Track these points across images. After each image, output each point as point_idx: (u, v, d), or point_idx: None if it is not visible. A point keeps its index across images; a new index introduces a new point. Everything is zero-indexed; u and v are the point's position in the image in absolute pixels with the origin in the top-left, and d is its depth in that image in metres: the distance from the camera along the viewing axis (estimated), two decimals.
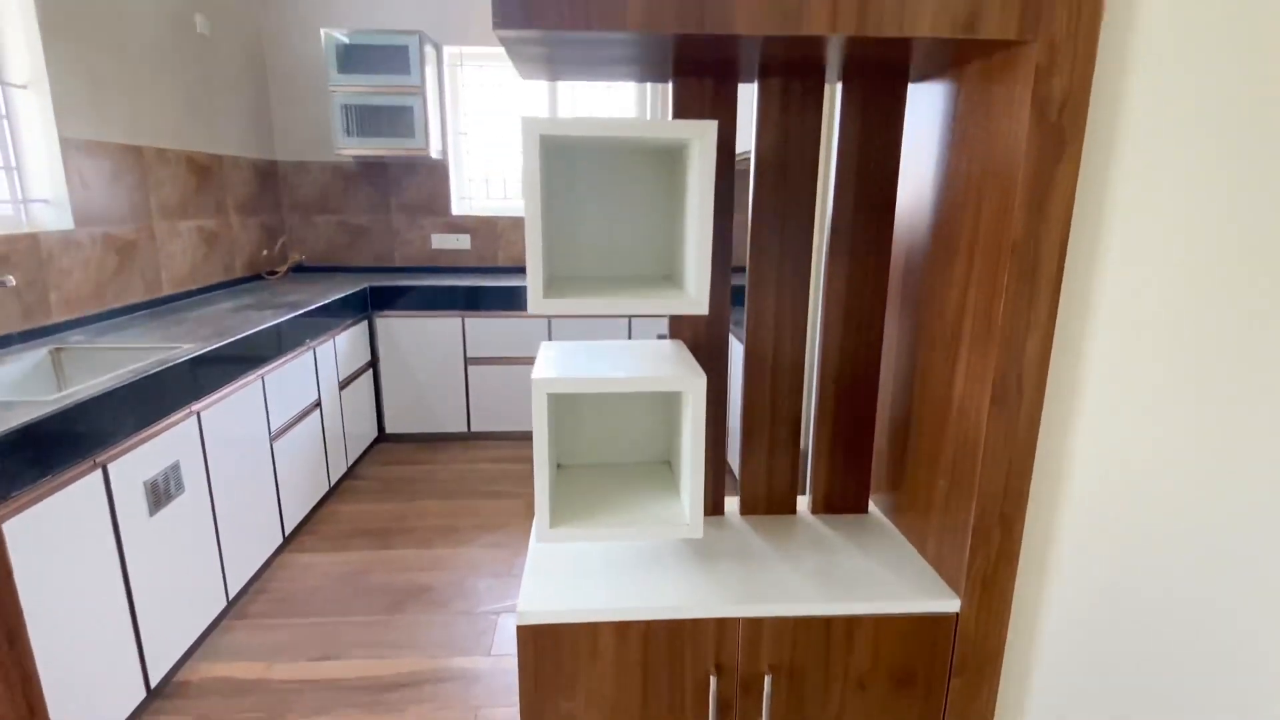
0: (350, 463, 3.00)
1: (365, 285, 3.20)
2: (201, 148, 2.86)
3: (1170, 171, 0.71)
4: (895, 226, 1.01)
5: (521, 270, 3.76)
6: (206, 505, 1.89)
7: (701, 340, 1.02)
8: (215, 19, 2.97)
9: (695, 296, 0.79)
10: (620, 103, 3.72)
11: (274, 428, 2.28)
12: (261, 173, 3.39)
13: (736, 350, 2.49)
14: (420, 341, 3.28)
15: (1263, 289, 0.67)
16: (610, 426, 1.04)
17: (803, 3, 0.69)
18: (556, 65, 0.87)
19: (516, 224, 3.75)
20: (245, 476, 2.10)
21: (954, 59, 0.82)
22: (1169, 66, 0.70)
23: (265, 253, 3.38)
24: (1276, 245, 0.66)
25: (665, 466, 1.05)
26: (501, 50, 3.58)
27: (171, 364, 1.72)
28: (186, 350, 1.85)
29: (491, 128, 3.73)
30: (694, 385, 0.80)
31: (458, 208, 3.74)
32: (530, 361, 3.34)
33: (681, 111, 0.94)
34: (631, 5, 0.68)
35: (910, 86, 0.96)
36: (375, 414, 3.32)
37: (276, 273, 3.38)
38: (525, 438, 3.46)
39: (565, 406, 1.01)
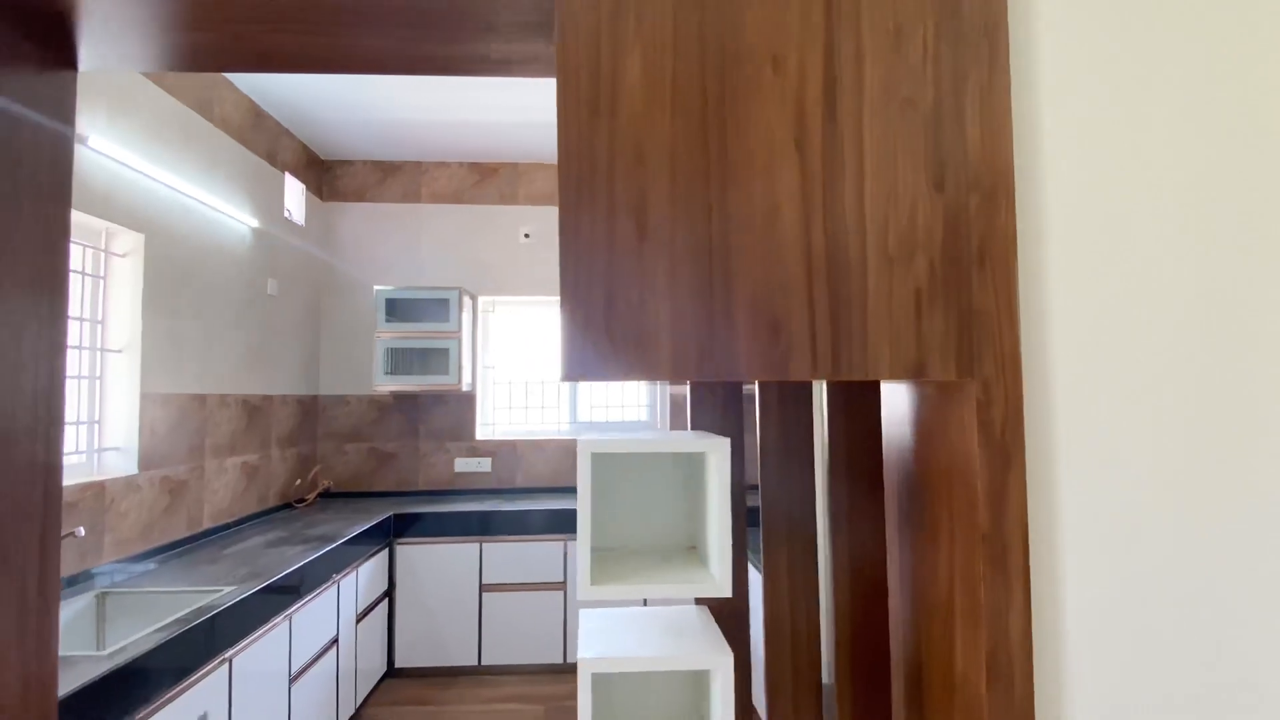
0: (359, 703, 2.90)
1: (389, 513, 3.32)
2: (256, 390, 3.17)
3: (1100, 475, 0.89)
4: (886, 504, 1.17)
5: (538, 491, 3.90)
6: None
7: (725, 610, 1.13)
8: (284, 281, 3.45)
9: (720, 582, 0.93)
10: None
11: (294, 669, 2.27)
12: (304, 407, 3.68)
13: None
14: (437, 568, 3.32)
15: (1188, 591, 0.81)
16: (638, 695, 1.11)
17: (788, 358, 0.91)
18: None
19: (534, 446, 3.97)
20: None
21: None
22: (1083, 387, 0.91)
23: (298, 482, 3.56)
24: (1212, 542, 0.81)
25: None
26: (527, 297, 4.06)
27: (213, 612, 1.80)
28: (227, 595, 1.94)
29: (515, 360, 4.11)
30: (721, 663, 0.91)
31: (481, 433, 3.98)
32: (545, 587, 3.34)
33: (698, 405, 1.15)
34: (663, 363, 0.90)
35: (883, 385, 1.18)
36: (386, 647, 3.26)
37: (305, 500, 3.53)
38: (535, 672, 3.35)
39: (598, 677, 1.10)
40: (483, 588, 3.32)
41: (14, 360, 1.09)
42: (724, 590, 0.93)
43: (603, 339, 0.91)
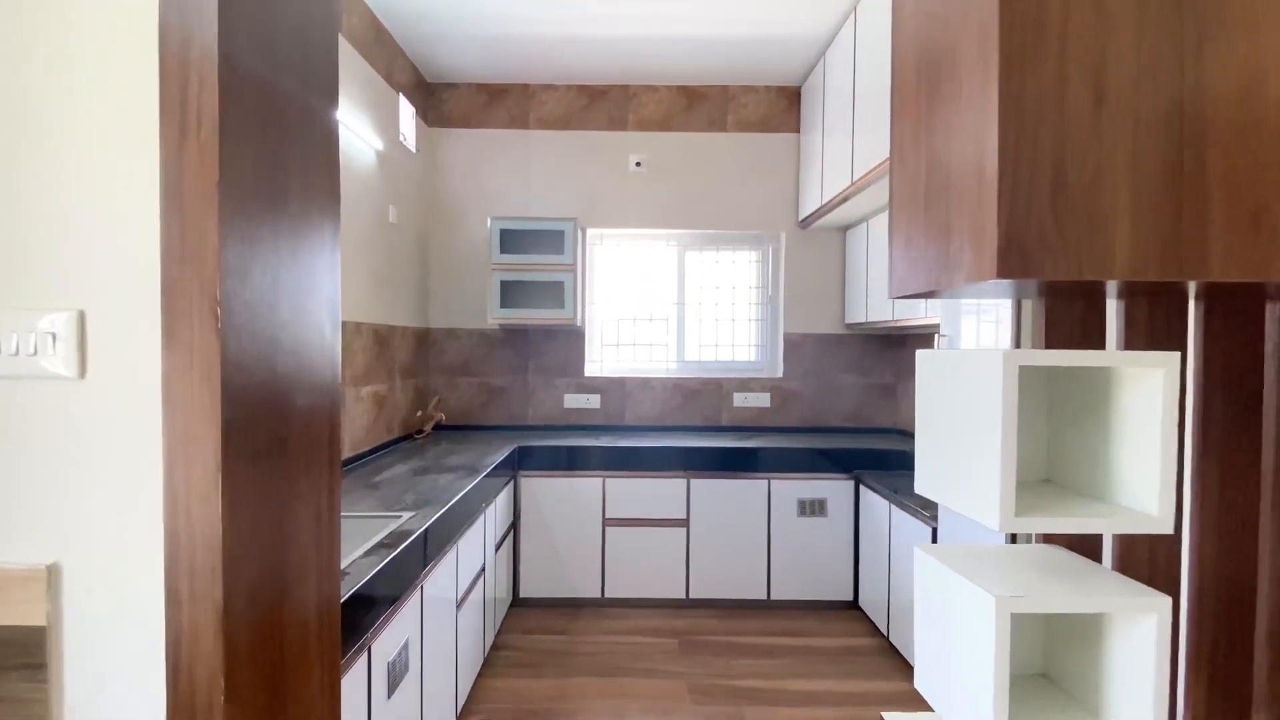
0: (496, 631, 2.92)
1: (508, 446, 3.28)
2: (382, 320, 3.11)
3: None
4: (1264, 430, 1.03)
5: (646, 430, 3.83)
6: (417, 685, 1.84)
7: (1074, 548, 1.02)
8: (402, 210, 3.34)
9: (1159, 517, 0.81)
10: (740, 259, 3.97)
11: (459, 595, 2.26)
12: (419, 340, 3.63)
13: None
14: (561, 501, 3.29)
15: None
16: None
17: (1273, 253, 0.76)
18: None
19: (643, 384, 3.88)
20: (440, 651, 2.06)
21: None
22: None
23: (420, 413, 3.54)
24: None
25: (1041, 680, 1.00)
26: (637, 230, 3.90)
27: (413, 536, 1.76)
28: (411, 521, 1.90)
29: (619, 296, 3.99)
30: (1161, 605, 0.80)
31: (589, 369, 3.90)
32: (666, 523, 3.30)
33: (1051, 328, 1.01)
34: (1118, 256, 0.76)
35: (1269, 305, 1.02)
36: (512, 578, 3.27)
37: (424, 432, 3.51)
38: (658, 606, 3.33)
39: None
40: (606, 522, 3.29)
41: (314, 277, 0.99)
42: (1165, 527, 0.81)
43: (1048, 224, 0.77)
